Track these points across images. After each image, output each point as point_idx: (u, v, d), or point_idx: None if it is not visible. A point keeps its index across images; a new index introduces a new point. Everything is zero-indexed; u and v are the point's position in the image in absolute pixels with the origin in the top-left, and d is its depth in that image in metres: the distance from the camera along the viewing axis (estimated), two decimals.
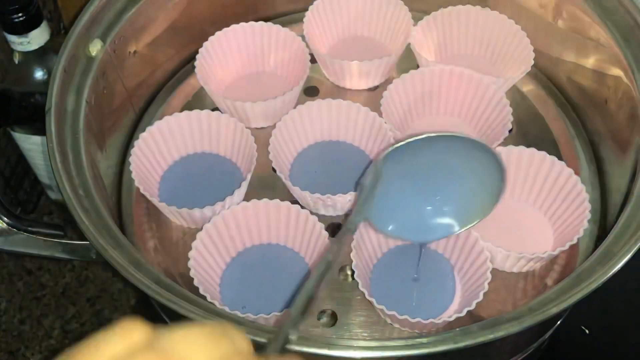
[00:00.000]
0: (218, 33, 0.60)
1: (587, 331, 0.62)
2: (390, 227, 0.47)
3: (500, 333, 0.39)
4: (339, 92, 0.62)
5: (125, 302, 0.72)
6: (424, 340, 0.39)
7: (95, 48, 0.53)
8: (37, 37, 0.59)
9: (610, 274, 0.41)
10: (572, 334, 0.62)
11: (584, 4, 0.56)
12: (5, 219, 0.44)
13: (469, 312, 0.46)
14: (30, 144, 0.66)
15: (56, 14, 0.72)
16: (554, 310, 0.40)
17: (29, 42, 0.59)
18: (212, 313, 0.41)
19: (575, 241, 0.49)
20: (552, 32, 0.60)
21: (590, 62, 0.58)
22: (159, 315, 0.56)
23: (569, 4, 0.58)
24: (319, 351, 0.39)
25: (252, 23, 0.61)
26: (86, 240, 0.44)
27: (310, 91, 0.63)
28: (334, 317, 0.50)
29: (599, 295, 0.43)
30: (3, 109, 0.52)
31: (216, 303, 0.45)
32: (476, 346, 0.39)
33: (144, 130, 0.55)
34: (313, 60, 0.60)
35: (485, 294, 0.46)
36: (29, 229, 0.45)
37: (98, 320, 0.71)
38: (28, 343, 0.70)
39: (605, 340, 0.63)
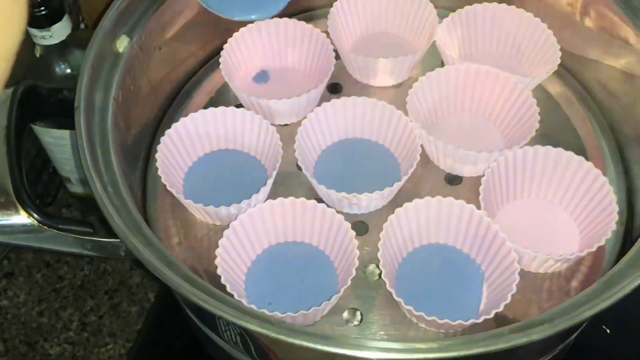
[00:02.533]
0: (242, 29, 0.60)
1: (607, 331, 0.62)
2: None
3: (533, 336, 0.39)
4: (362, 89, 0.62)
5: (143, 296, 0.73)
6: (455, 342, 0.39)
7: (123, 44, 0.53)
8: (59, 31, 0.59)
9: None
10: (593, 333, 0.62)
11: (613, 3, 0.56)
12: (35, 215, 0.44)
13: (495, 312, 0.46)
14: (51, 138, 0.66)
15: (75, 7, 0.72)
16: (588, 313, 0.40)
17: (50, 36, 0.59)
18: (243, 312, 0.41)
19: (603, 242, 0.48)
20: (579, 31, 0.60)
21: (618, 62, 0.57)
22: (178, 309, 0.57)
23: (597, 2, 0.57)
24: (348, 352, 0.39)
25: (276, 19, 0.61)
26: (115, 237, 0.44)
27: (334, 88, 0.63)
28: (359, 316, 0.50)
29: None
30: (32, 104, 0.52)
31: (243, 301, 0.45)
32: (506, 350, 0.39)
33: (168, 126, 0.55)
34: (337, 57, 0.60)
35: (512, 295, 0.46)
36: (60, 226, 0.45)
37: (116, 313, 0.72)
38: (47, 335, 0.70)
39: (626, 340, 0.63)
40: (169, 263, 0.43)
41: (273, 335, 0.39)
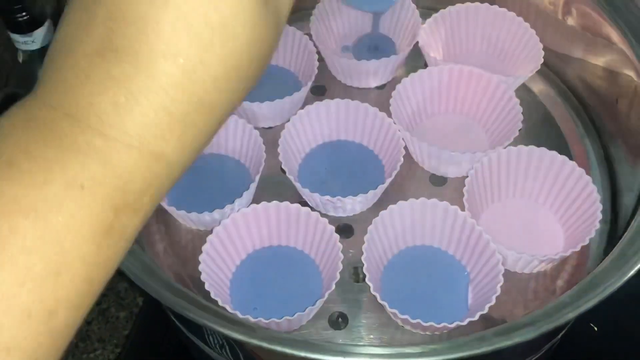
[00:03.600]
0: None
1: (595, 328, 0.62)
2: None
3: (516, 339, 0.39)
4: (346, 90, 0.62)
5: (132, 301, 0.72)
6: (440, 346, 0.39)
7: None
8: (41, 37, 0.59)
9: (626, 278, 0.41)
10: (581, 331, 0.62)
11: (594, 2, 0.56)
12: None
13: (480, 314, 0.46)
14: None
15: (58, 11, 0.72)
16: (570, 315, 0.40)
17: (33, 42, 0.59)
18: (226, 320, 0.41)
19: (587, 242, 0.48)
20: (562, 30, 0.60)
21: (600, 60, 0.57)
22: (166, 315, 0.56)
23: (578, 1, 0.57)
24: (331, 358, 0.39)
25: None
26: None
27: (318, 90, 0.62)
28: (344, 320, 0.50)
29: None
30: None
31: (227, 307, 0.45)
32: (491, 352, 0.39)
33: None
34: (320, 59, 0.59)
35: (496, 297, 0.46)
36: None
37: (105, 319, 0.71)
38: None
39: (614, 337, 0.63)
40: (151, 271, 0.43)
41: (255, 342, 0.39)
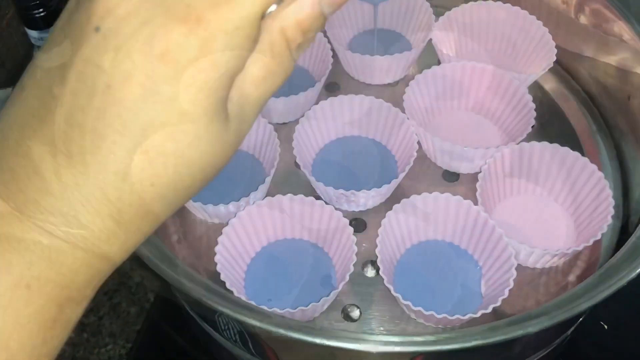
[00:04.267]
0: None
1: (605, 327, 0.63)
2: None
3: (529, 329, 0.39)
4: (359, 87, 0.63)
5: (143, 296, 0.73)
6: (453, 335, 0.40)
7: None
8: None
9: (639, 270, 0.42)
10: (591, 329, 0.62)
11: (607, 1, 0.56)
12: None
13: (493, 307, 0.46)
14: None
15: None
16: (583, 306, 0.40)
17: None
18: (245, 308, 0.41)
19: (599, 237, 0.49)
20: (574, 28, 0.61)
21: (612, 58, 0.58)
22: (178, 309, 0.57)
23: (591, 0, 0.58)
24: (347, 345, 0.39)
25: None
26: None
27: (331, 86, 0.63)
28: (357, 312, 0.50)
29: (618, 290, 0.43)
30: None
31: (243, 297, 0.46)
32: (504, 342, 0.40)
33: None
34: (334, 55, 0.60)
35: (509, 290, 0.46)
36: None
37: (116, 314, 0.72)
38: None
39: (624, 336, 0.63)
40: (168, 260, 0.43)
41: (273, 329, 0.39)
